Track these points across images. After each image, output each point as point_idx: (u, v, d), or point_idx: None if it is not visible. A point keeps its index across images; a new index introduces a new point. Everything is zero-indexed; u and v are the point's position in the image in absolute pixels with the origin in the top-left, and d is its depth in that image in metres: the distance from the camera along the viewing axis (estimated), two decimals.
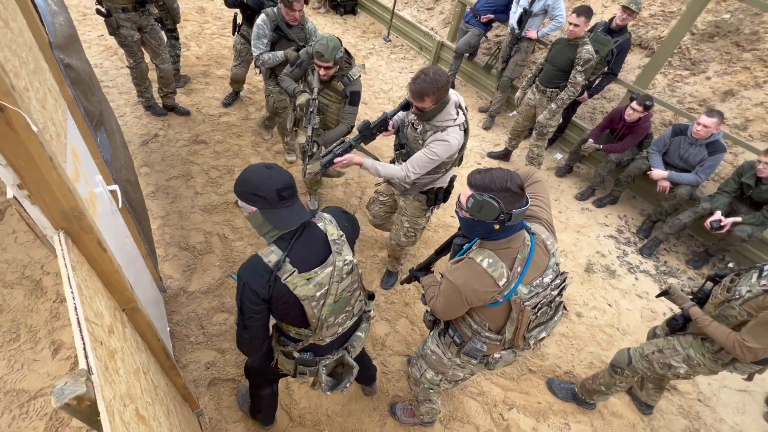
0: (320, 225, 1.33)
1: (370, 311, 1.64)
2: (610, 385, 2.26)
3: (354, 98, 2.62)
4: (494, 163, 4.47)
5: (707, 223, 3.23)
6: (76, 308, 0.68)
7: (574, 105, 4.34)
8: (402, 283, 1.93)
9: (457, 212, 1.32)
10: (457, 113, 1.93)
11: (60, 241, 0.79)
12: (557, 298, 1.36)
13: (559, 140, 4.74)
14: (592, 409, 2.48)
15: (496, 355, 1.48)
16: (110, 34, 3.27)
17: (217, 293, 2.63)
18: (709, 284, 1.96)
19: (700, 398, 2.67)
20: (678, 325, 2.02)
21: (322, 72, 2.47)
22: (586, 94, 4.10)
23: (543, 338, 1.38)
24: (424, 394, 1.85)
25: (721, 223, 3.15)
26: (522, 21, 4.28)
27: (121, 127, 3.64)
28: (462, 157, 2.19)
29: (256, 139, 3.94)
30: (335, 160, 2.08)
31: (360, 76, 2.61)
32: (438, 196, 2.29)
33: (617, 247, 3.75)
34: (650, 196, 4.05)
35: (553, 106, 3.69)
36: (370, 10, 7.01)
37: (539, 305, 1.29)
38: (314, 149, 2.64)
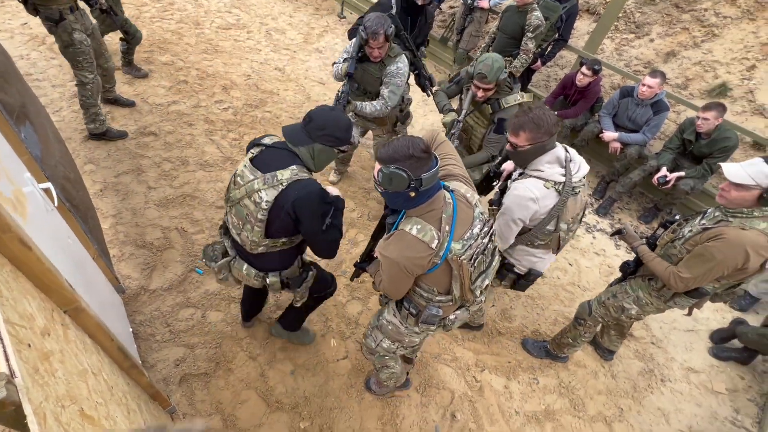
0: (293, 164, 1.47)
1: (276, 279, 1.74)
2: (577, 337, 2.41)
3: (501, 126, 2.38)
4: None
5: (654, 179, 3.42)
6: None
7: (528, 74, 4.40)
8: (351, 279, 1.92)
9: (376, 188, 1.33)
10: (555, 169, 1.70)
11: None
12: (489, 245, 1.40)
13: None
14: (565, 362, 2.63)
15: (452, 317, 1.52)
16: (65, 46, 2.85)
17: (180, 289, 2.54)
18: (661, 230, 2.09)
19: (653, 341, 2.88)
20: (630, 269, 2.16)
21: (480, 93, 2.31)
22: (539, 62, 4.16)
23: (487, 285, 1.43)
24: (380, 361, 1.89)
25: (667, 179, 3.34)
26: None
27: (59, 123, 3.37)
28: (561, 239, 1.91)
29: (209, 128, 3.77)
30: None
31: (517, 106, 2.34)
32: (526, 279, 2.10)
33: None
34: (603, 157, 4.22)
35: None
36: None
37: (474, 256, 1.33)
38: None
